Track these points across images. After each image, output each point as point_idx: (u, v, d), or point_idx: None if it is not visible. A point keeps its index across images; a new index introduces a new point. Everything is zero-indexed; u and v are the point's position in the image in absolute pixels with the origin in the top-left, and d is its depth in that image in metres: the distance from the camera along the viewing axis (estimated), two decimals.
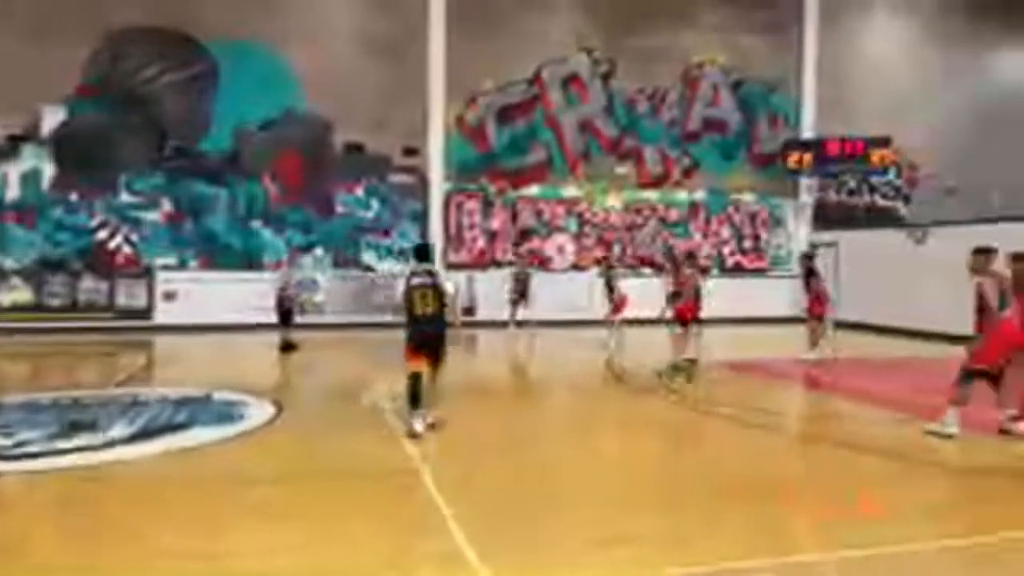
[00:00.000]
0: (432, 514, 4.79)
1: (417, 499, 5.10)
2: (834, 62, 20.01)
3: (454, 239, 17.84)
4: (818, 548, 4.29)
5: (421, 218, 17.67)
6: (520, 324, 15.27)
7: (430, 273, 6.98)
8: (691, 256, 12.70)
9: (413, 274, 7.00)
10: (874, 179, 20.21)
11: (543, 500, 5.16)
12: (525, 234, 18.20)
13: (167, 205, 16.28)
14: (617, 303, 13.77)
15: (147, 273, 15.93)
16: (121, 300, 15.73)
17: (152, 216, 16.20)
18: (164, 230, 16.26)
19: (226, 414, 7.63)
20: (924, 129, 19.85)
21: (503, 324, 15.50)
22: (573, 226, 18.54)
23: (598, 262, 16.91)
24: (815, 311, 11.81)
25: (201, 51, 16.31)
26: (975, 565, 4.20)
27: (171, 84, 16.22)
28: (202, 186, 16.43)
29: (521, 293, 15.27)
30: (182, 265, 16.31)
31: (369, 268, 17.35)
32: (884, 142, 18.81)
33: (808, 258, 12.11)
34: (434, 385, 7.01)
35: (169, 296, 15.86)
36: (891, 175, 20.23)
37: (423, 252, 7.31)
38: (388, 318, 16.62)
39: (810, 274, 11.85)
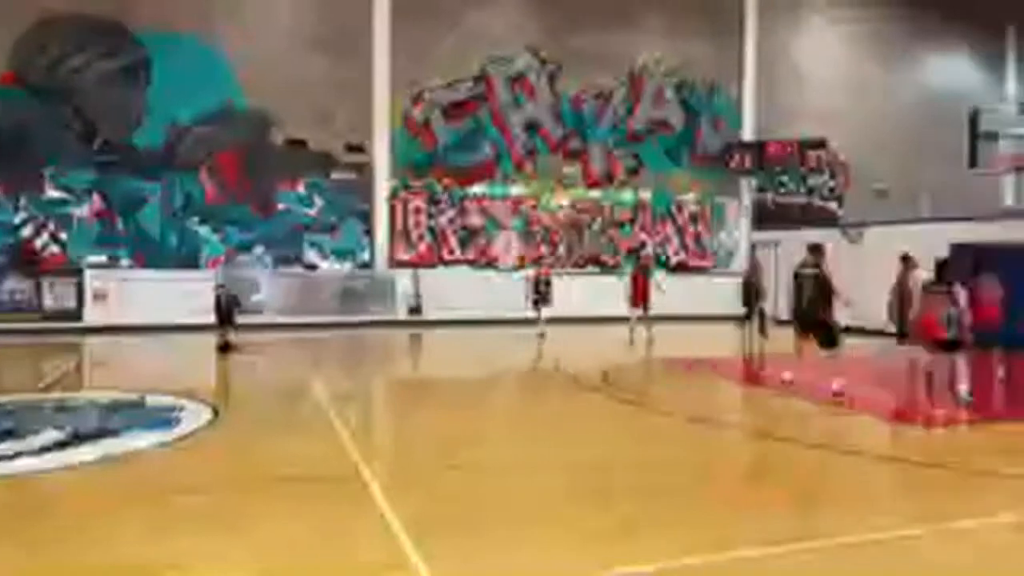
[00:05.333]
0: (376, 520, 4.66)
1: (361, 504, 4.96)
2: (773, 66, 20.53)
3: (399, 237, 17.62)
4: (757, 543, 4.31)
5: (366, 216, 17.39)
6: (537, 322, 14.75)
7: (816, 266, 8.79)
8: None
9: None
10: (811, 180, 20.81)
11: (489, 504, 5.08)
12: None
13: (97, 201, 15.59)
14: (647, 294, 13.97)
15: (76, 272, 15.23)
16: (48, 301, 14.99)
17: (80, 212, 15.50)
18: (93, 227, 15.58)
19: (160, 419, 7.31)
20: (859, 132, 20.56)
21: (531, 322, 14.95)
22: (520, 225, 18.53)
23: (631, 251, 17.06)
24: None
25: (132, 42, 15.68)
26: (905, 556, 4.30)
27: (100, 75, 15.54)
28: (134, 182, 15.79)
29: (543, 296, 14.90)
30: (113, 263, 15.65)
31: (312, 267, 16.98)
32: (819, 144, 19.41)
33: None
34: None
35: (99, 296, 15.19)
36: (826, 176, 20.86)
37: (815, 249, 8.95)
38: (332, 318, 16.51)
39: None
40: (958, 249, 14.03)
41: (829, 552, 4.23)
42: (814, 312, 8.78)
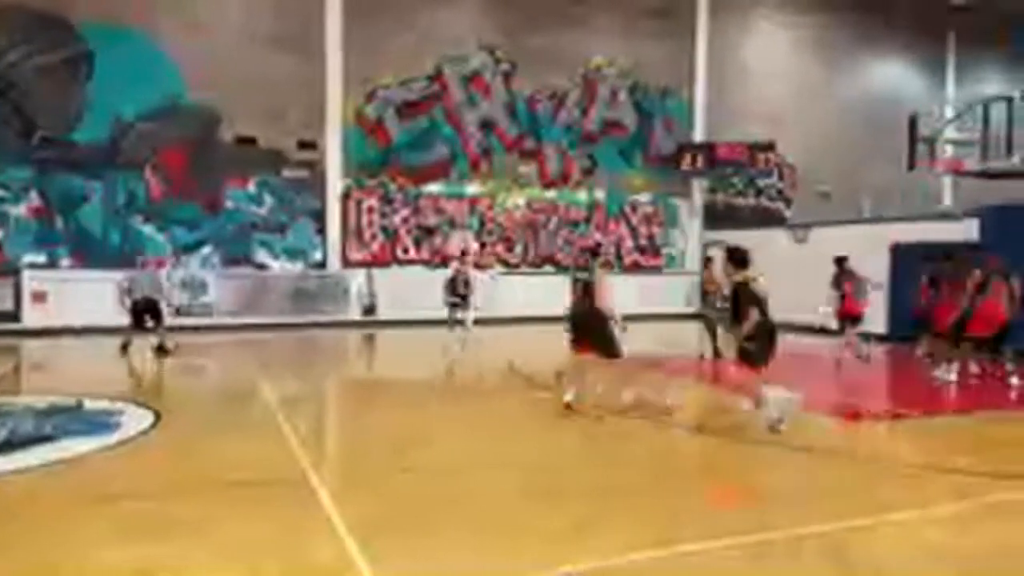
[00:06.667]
0: (324, 522, 4.58)
1: (308, 507, 4.87)
2: (723, 70, 20.90)
3: (353, 237, 17.41)
4: (702, 537, 4.37)
5: (318, 215, 17.13)
6: (460, 323, 13.71)
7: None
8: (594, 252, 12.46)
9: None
10: (760, 182, 21.26)
11: (439, 505, 5.04)
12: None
13: (35, 199, 15.03)
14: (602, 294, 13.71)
15: (13, 272, 14.65)
16: None
17: (18, 211, 14.92)
18: (32, 226, 15.01)
19: (99, 423, 7.07)
20: (805, 135, 21.09)
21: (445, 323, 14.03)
22: (475, 224, 18.48)
23: (594, 252, 15.74)
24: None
25: (73, 35, 15.15)
26: (846, 548, 4.40)
27: (39, 69, 14.98)
28: (75, 179, 15.27)
29: (462, 296, 13.49)
30: (52, 263, 15.10)
31: (262, 267, 16.66)
32: (768, 147, 19.83)
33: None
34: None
35: (38, 297, 14.64)
36: (774, 178, 21.34)
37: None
38: (284, 319, 16.20)
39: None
40: (897, 248, 14.48)
41: (772, 545, 4.31)
42: (587, 322, 7.82)
